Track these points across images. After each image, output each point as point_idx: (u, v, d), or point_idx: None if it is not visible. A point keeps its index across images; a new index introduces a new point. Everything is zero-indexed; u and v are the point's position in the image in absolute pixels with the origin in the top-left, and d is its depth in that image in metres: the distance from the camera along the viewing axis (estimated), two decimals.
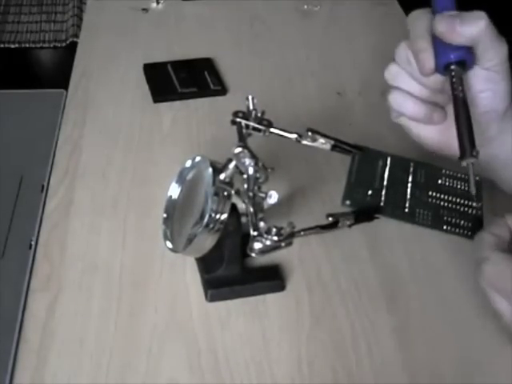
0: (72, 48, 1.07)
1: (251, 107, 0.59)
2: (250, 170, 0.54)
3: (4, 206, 1.08)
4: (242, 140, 0.57)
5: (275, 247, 0.52)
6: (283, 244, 0.53)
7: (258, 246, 0.52)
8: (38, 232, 0.66)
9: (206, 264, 0.60)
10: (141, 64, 0.88)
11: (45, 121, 1.26)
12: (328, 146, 0.61)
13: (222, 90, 0.84)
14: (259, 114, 0.59)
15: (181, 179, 0.59)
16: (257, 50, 0.93)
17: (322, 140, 0.61)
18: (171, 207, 0.59)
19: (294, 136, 0.60)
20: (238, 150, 0.54)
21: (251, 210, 0.53)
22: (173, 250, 0.57)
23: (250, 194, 0.54)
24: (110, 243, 0.65)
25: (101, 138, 0.77)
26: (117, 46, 0.93)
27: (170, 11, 1.00)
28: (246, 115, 0.59)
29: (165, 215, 0.59)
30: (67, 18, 2.31)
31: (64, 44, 2.22)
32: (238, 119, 0.59)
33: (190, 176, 0.59)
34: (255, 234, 0.52)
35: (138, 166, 0.73)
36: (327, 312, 0.59)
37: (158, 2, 1.01)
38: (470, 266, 0.55)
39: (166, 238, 0.58)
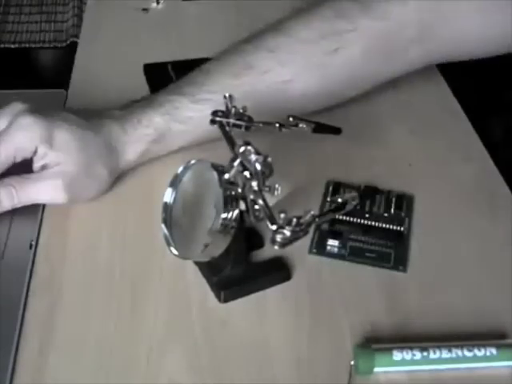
0: (72, 48, 1.06)
1: (229, 105, 0.60)
2: (258, 166, 0.53)
3: None
4: (227, 137, 0.58)
5: (295, 238, 0.52)
6: (302, 234, 0.52)
7: (279, 238, 0.51)
8: (39, 232, 0.66)
9: (211, 266, 0.60)
10: (141, 64, 0.87)
11: None
12: (309, 130, 0.65)
13: None
14: (241, 111, 0.60)
15: (175, 185, 0.59)
16: None
17: (302, 125, 0.64)
18: (168, 213, 0.59)
19: (276, 125, 0.63)
20: (243, 148, 0.54)
21: (262, 203, 0.53)
22: (181, 257, 0.57)
23: (261, 188, 0.53)
24: (110, 243, 0.65)
25: None
26: (117, 45, 0.93)
27: (170, 11, 1.00)
28: (226, 113, 0.60)
29: (164, 222, 0.58)
30: (67, 18, 2.30)
31: (64, 44, 2.21)
32: (218, 118, 0.60)
33: (185, 181, 0.58)
34: (274, 227, 0.51)
35: (137, 165, 0.73)
36: (327, 312, 0.59)
37: (158, 2, 1.01)
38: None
39: (169, 244, 0.58)
